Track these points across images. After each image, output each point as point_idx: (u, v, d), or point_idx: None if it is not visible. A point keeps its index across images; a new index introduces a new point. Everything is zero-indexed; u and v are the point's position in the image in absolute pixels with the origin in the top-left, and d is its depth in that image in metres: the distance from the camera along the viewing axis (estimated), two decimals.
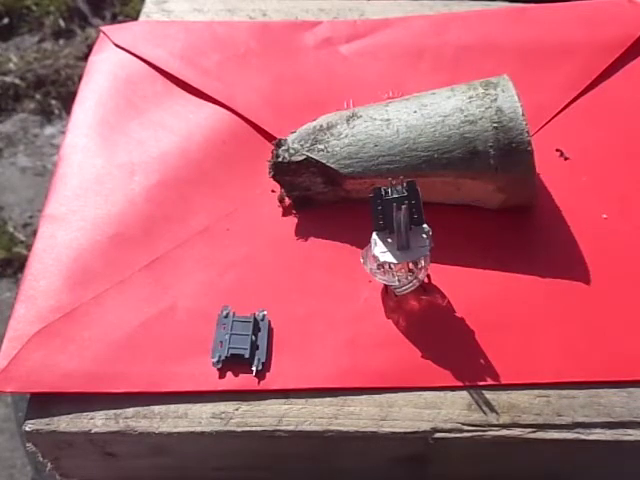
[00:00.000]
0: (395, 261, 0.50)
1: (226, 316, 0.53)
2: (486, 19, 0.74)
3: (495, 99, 0.56)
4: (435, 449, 0.49)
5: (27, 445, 0.51)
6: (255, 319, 0.53)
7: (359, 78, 0.69)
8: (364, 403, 0.50)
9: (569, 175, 0.61)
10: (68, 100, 1.37)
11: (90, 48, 0.77)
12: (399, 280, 0.51)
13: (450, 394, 0.50)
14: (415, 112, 0.57)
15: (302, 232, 0.59)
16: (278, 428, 0.49)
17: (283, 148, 0.58)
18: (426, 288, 0.54)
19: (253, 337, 0.52)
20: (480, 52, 0.70)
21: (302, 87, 0.69)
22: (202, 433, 0.49)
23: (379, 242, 0.51)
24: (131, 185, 0.62)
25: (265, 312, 0.54)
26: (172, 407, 0.50)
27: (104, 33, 0.75)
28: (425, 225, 0.51)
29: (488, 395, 0.50)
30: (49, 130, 1.47)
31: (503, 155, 0.55)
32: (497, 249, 0.57)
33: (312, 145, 0.58)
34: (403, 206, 0.49)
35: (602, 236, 0.57)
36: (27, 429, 0.50)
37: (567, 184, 0.60)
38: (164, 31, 0.74)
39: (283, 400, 0.50)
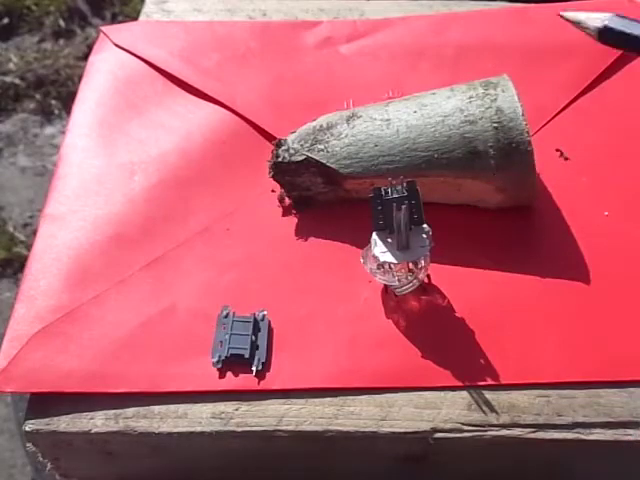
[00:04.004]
0: (395, 261, 0.50)
1: (226, 316, 0.53)
2: (486, 19, 0.74)
3: (495, 99, 0.56)
4: (435, 449, 0.49)
5: (27, 445, 0.51)
6: (255, 319, 0.53)
7: (359, 78, 0.69)
8: (364, 403, 0.50)
9: (569, 175, 0.61)
10: (68, 100, 1.37)
11: (90, 48, 0.77)
12: (399, 280, 0.51)
13: (450, 394, 0.50)
14: (415, 112, 0.57)
15: (302, 232, 0.59)
16: (278, 428, 0.49)
17: (283, 148, 0.58)
18: (426, 288, 0.54)
19: (253, 337, 0.52)
20: (480, 52, 0.70)
21: (302, 87, 0.69)
22: (202, 433, 0.49)
23: (379, 242, 0.51)
24: (131, 185, 0.62)
25: (265, 312, 0.54)
26: (172, 407, 0.50)
27: (104, 33, 0.75)
28: (425, 225, 0.51)
29: (488, 395, 0.50)
30: (49, 130, 1.47)
31: (503, 155, 0.55)
32: (497, 249, 0.57)
33: (312, 145, 0.58)
34: (403, 206, 0.49)
35: (602, 236, 0.57)
36: (27, 429, 0.50)
37: (567, 184, 0.60)
38: (164, 31, 0.74)
39: (283, 400, 0.50)
